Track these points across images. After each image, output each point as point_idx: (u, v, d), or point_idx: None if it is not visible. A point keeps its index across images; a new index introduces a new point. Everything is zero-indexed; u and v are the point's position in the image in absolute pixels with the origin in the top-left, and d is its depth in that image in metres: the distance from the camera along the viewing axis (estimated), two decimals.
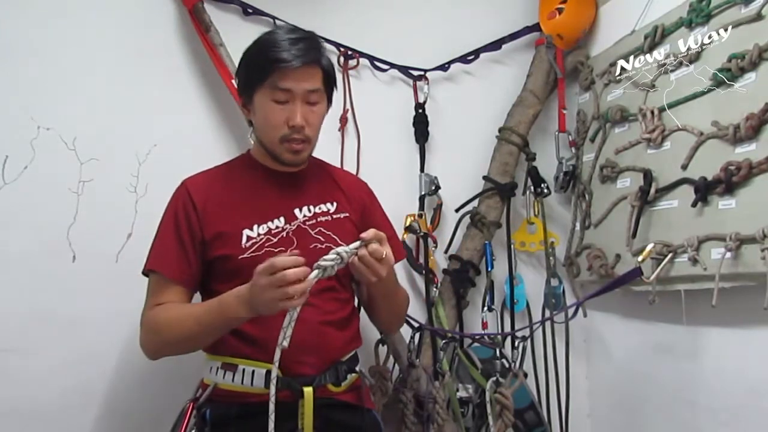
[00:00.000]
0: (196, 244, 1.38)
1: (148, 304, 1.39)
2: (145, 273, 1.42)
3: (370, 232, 1.25)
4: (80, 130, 1.75)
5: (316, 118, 1.42)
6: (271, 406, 1.19)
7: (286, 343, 1.19)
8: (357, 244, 1.23)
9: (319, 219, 1.44)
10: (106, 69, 1.80)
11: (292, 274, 1.17)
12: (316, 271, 1.21)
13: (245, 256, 1.36)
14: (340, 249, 1.22)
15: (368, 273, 1.27)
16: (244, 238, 1.37)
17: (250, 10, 1.94)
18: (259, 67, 1.37)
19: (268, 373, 1.33)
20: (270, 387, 1.21)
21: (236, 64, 1.74)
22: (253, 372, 1.34)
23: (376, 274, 1.27)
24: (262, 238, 1.38)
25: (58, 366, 1.67)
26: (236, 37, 1.77)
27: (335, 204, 1.49)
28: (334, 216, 1.47)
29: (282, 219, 1.41)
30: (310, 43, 1.39)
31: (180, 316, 1.33)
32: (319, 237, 1.42)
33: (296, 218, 1.43)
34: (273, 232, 1.39)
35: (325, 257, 1.21)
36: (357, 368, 1.48)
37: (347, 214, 1.49)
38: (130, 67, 1.82)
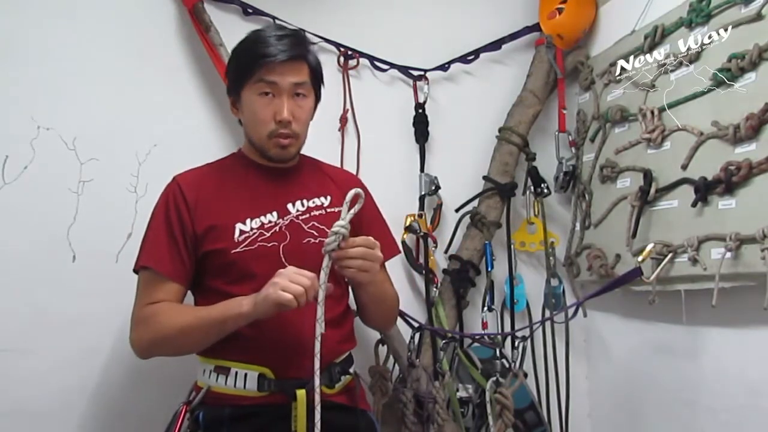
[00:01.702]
0: (188, 239, 1.37)
1: (141, 302, 1.37)
2: (137, 270, 1.41)
3: (360, 239, 1.27)
4: (80, 130, 1.75)
5: (303, 113, 1.42)
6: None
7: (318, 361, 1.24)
8: (346, 220, 1.25)
9: (312, 213, 1.44)
10: (106, 69, 1.80)
11: (308, 278, 1.22)
12: (326, 258, 1.25)
13: (238, 250, 1.36)
14: (335, 227, 1.24)
15: (359, 274, 1.29)
16: (237, 232, 1.37)
17: (250, 10, 1.94)
18: (246, 64, 1.38)
19: (261, 375, 1.33)
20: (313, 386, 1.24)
21: None
22: (246, 375, 1.33)
23: (365, 274, 1.29)
24: (255, 233, 1.38)
25: (58, 366, 1.67)
26: (236, 37, 1.75)
27: (329, 198, 1.49)
28: (328, 210, 1.46)
29: (275, 213, 1.41)
30: (295, 39, 1.41)
31: (180, 314, 1.33)
32: (313, 231, 1.42)
33: (289, 213, 1.43)
34: (266, 226, 1.39)
35: (326, 240, 1.24)
36: (351, 370, 1.48)
37: (341, 208, 1.49)
38: (130, 67, 1.82)
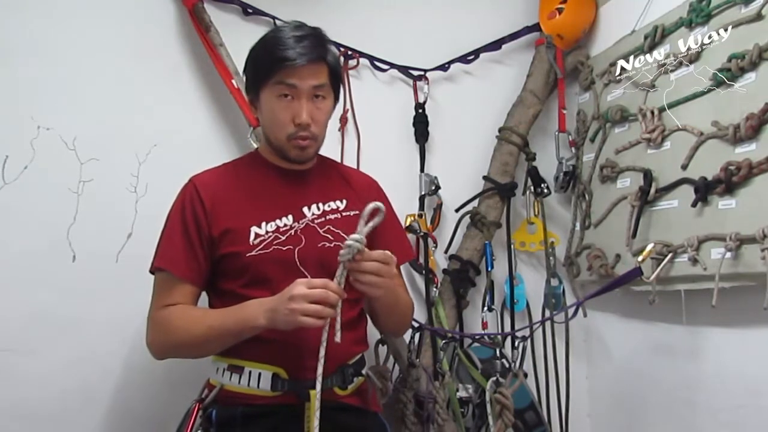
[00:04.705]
0: (204, 241, 1.37)
1: (157, 303, 1.38)
2: (152, 271, 1.41)
3: (376, 254, 1.26)
4: (80, 130, 1.75)
5: (322, 115, 1.41)
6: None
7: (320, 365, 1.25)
8: (362, 234, 1.23)
9: (328, 217, 1.44)
10: (106, 69, 1.80)
11: (334, 297, 1.22)
12: (340, 268, 1.24)
13: (253, 253, 1.35)
14: (348, 241, 1.23)
15: (371, 289, 1.28)
16: (252, 236, 1.37)
17: (250, 10, 1.94)
18: (265, 66, 1.37)
19: (275, 375, 1.33)
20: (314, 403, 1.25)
21: (236, 64, 1.76)
22: (260, 374, 1.34)
23: (378, 289, 1.28)
24: (270, 236, 1.37)
25: (58, 366, 1.67)
26: (236, 37, 1.78)
27: (345, 201, 1.48)
28: (344, 213, 1.45)
29: (290, 217, 1.41)
30: (315, 40, 1.39)
31: (195, 320, 1.33)
32: (328, 235, 1.41)
33: (305, 216, 1.42)
34: (281, 230, 1.39)
35: (341, 252, 1.23)
36: (363, 371, 1.48)
37: (357, 212, 1.47)
38: (130, 67, 1.82)
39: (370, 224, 1.24)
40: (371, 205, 1.24)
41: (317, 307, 1.21)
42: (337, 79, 1.44)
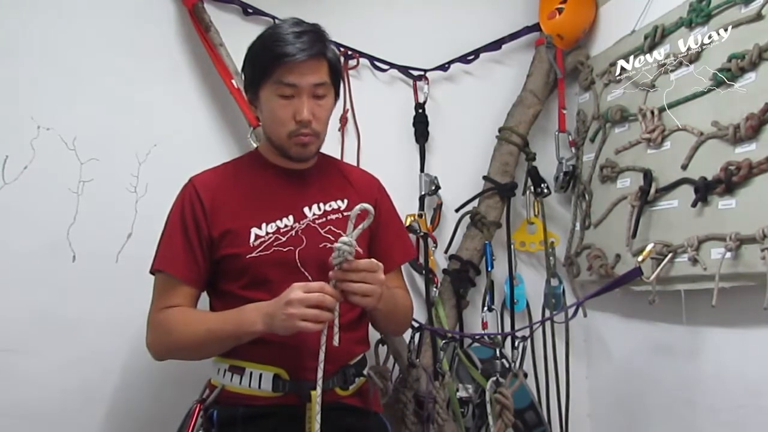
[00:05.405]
0: (203, 242, 1.37)
1: (157, 305, 1.38)
2: (152, 272, 1.41)
3: (363, 263, 1.25)
4: (80, 130, 1.75)
5: (323, 112, 1.40)
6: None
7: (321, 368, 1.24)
8: (351, 237, 1.23)
9: (329, 217, 1.43)
10: (106, 69, 1.80)
11: (331, 300, 1.21)
12: (333, 272, 1.24)
13: (253, 255, 1.35)
14: (338, 244, 1.22)
15: (363, 300, 1.27)
16: (252, 237, 1.36)
17: (250, 10, 1.94)
18: (264, 63, 1.35)
19: (276, 376, 1.33)
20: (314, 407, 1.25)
21: (236, 65, 1.76)
22: (261, 375, 1.34)
23: (368, 299, 1.27)
24: (270, 237, 1.37)
25: (58, 366, 1.67)
26: (236, 37, 1.77)
27: (346, 201, 1.47)
28: (345, 213, 1.44)
29: (291, 217, 1.40)
30: (314, 36, 1.37)
31: (194, 323, 1.33)
32: (329, 236, 1.40)
33: (305, 216, 1.41)
34: (282, 230, 1.38)
35: (332, 255, 1.23)
36: (364, 372, 1.47)
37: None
38: (130, 67, 1.82)
39: (360, 227, 1.23)
40: (359, 207, 1.23)
41: (315, 311, 1.20)
42: (337, 76, 1.43)
